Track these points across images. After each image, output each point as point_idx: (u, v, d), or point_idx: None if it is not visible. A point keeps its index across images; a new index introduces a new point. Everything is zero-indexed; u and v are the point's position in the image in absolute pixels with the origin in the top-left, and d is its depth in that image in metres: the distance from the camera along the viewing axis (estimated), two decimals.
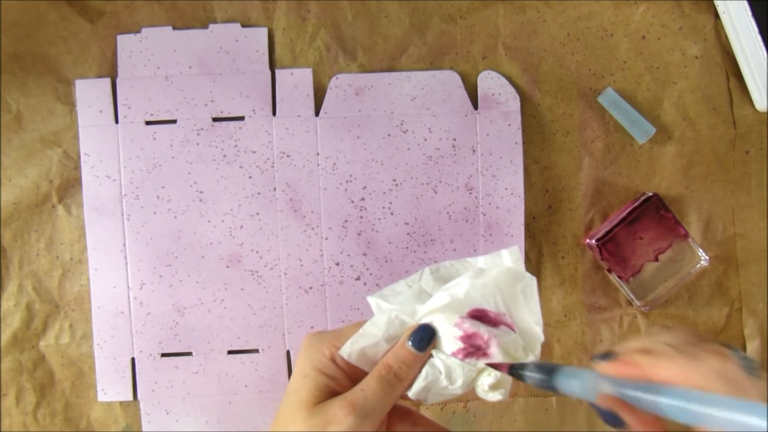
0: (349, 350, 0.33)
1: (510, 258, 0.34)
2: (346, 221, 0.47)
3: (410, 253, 0.47)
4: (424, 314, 0.33)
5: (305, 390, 0.33)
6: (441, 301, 0.32)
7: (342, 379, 0.33)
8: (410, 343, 0.32)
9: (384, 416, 0.33)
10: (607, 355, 0.29)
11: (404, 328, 0.33)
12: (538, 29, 0.47)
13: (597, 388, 0.28)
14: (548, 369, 0.30)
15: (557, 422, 0.48)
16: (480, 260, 0.35)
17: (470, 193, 0.47)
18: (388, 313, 0.33)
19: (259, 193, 0.46)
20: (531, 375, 0.30)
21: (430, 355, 0.33)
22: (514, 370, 0.31)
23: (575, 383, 0.29)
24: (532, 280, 0.33)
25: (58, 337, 0.47)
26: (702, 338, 0.28)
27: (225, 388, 0.47)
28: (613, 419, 0.28)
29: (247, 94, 0.46)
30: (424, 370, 0.32)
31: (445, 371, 0.32)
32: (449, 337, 0.32)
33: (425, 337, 0.32)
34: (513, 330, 0.33)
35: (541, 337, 0.33)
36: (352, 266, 0.47)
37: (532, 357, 0.33)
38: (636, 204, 0.46)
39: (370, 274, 0.47)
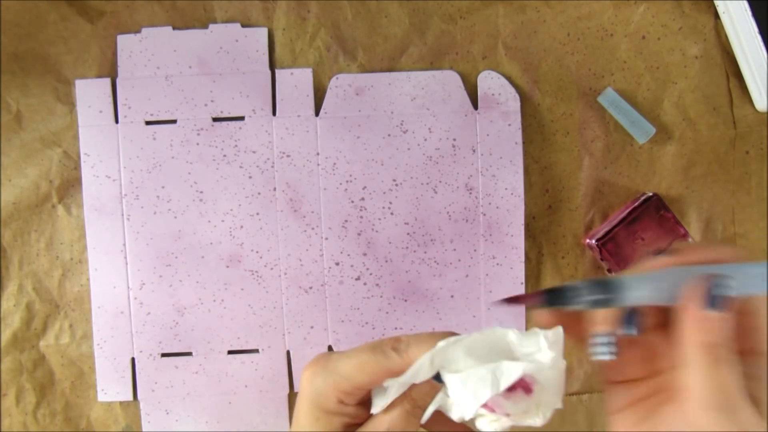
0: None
1: (547, 343, 0.29)
2: (346, 221, 0.47)
3: (410, 253, 0.47)
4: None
5: None
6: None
7: (353, 411, 0.32)
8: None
9: None
10: (662, 251, 0.27)
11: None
12: (538, 29, 0.47)
13: (674, 284, 0.26)
14: (607, 286, 0.26)
15: (557, 422, 0.48)
16: (514, 337, 0.30)
17: (470, 193, 0.47)
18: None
19: (259, 193, 0.46)
20: (586, 299, 0.27)
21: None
22: (554, 299, 0.27)
23: (646, 290, 0.26)
24: (561, 364, 0.30)
25: (58, 337, 0.47)
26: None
27: (225, 388, 0.47)
28: (633, 325, 0.26)
29: (247, 94, 0.46)
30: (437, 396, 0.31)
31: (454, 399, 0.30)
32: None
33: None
34: (530, 391, 0.30)
35: (559, 405, 0.31)
36: (352, 266, 0.47)
37: (540, 417, 0.31)
38: (636, 204, 0.46)
39: (370, 274, 0.47)
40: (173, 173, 0.46)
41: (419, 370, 0.29)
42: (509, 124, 0.46)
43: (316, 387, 0.31)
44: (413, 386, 0.31)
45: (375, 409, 0.31)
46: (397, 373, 0.30)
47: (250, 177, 0.46)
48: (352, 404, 0.31)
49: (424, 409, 0.30)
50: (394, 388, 0.30)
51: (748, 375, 0.26)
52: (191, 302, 0.46)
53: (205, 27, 0.46)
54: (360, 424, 0.31)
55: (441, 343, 0.30)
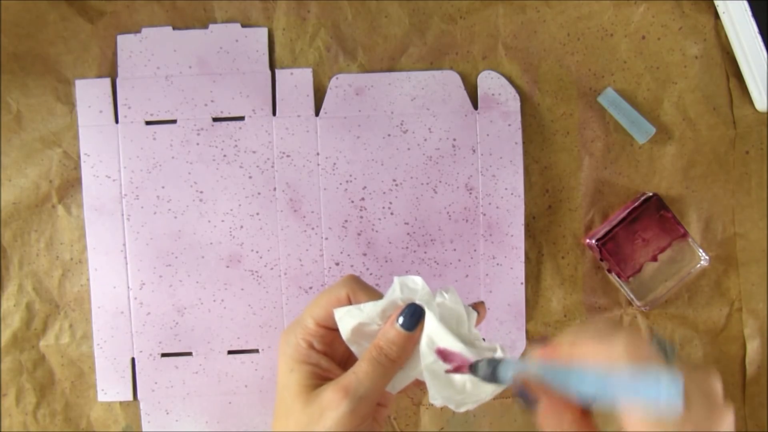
0: (342, 319, 0.34)
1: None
2: (346, 221, 0.47)
3: (410, 253, 0.47)
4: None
5: (294, 383, 0.33)
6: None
7: (325, 363, 0.34)
8: (399, 323, 0.33)
9: (378, 397, 0.33)
10: (541, 341, 0.31)
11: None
12: (538, 29, 0.47)
13: (526, 373, 0.30)
14: (494, 362, 0.31)
15: None
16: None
17: (470, 193, 0.47)
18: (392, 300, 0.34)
19: (259, 193, 0.46)
20: (482, 369, 0.31)
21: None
22: (472, 367, 0.32)
23: (509, 371, 0.30)
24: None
25: (58, 337, 0.47)
26: (627, 328, 0.30)
27: (225, 388, 0.47)
28: (526, 399, 0.29)
29: (247, 94, 0.46)
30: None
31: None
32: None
33: (414, 317, 0.33)
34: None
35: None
36: (352, 266, 0.47)
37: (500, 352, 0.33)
38: (636, 204, 0.46)
39: (370, 274, 0.47)
40: (173, 173, 0.46)
41: (392, 292, 0.33)
42: (509, 124, 0.46)
43: (288, 341, 0.35)
44: (379, 333, 0.33)
45: (348, 343, 0.35)
46: (344, 303, 0.34)
47: (250, 177, 0.46)
48: (321, 349, 0.34)
49: (391, 359, 0.33)
50: (366, 309, 0.33)
51: None
52: (191, 302, 0.46)
53: (205, 27, 0.46)
54: (331, 380, 0.33)
55: (401, 279, 0.34)
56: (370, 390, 0.32)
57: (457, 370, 0.32)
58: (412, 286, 0.34)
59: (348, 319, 0.33)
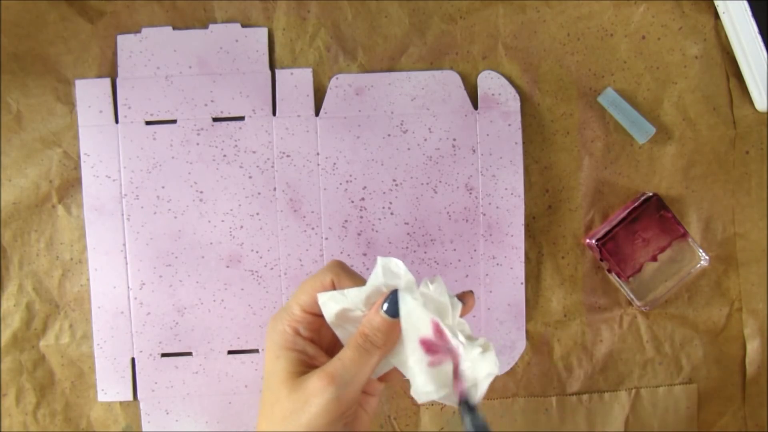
0: (325, 302, 0.34)
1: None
2: (346, 221, 0.47)
3: (410, 253, 0.47)
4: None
5: (281, 369, 0.33)
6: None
7: (311, 350, 0.34)
8: (383, 310, 0.33)
9: (363, 384, 0.33)
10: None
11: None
12: (538, 29, 0.47)
13: None
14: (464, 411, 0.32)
15: (557, 422, 0.48)
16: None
17: (470, 193, 0.47)
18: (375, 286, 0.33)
19: (259, 193, 0.46)
20: (462, 408, 0.32)
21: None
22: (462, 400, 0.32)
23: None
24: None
25: (58, 337, 0.47)
26: None
27: (225, 388, 0.47)
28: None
29: (247, 94, 0.46)
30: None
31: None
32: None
33: (398, 304, 0.33)
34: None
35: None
36: (352, 266, 0.47)
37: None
38: (636, 204, 0.46)
39: (370, 274, 0.47)
40: (173, 173, 0.46)
41: (375, 277, 0.33)
42: (509, 124, 0.46)
43: (275, 328, 0.35)
44: (364, 320, 0.33)
45: (336, 331, 0.35)
46: (329, 288, 0.34)
47: (250, 177, 0.46)
48: (307, 336, 0.34)
49: (376, 346, 0.33)
50: (351, 294, 0.33)
51: None
52: (191, 302, 0.46)
53: (205, 27, 0.46)
54: (317, 367, 0.33)
55: (384, 261, 0.33)
56: (356, 377, 0.32)
57: (440, 358, 0.32)
58: (395, 270, 0.33)
59: (332, 304, 0.33)
